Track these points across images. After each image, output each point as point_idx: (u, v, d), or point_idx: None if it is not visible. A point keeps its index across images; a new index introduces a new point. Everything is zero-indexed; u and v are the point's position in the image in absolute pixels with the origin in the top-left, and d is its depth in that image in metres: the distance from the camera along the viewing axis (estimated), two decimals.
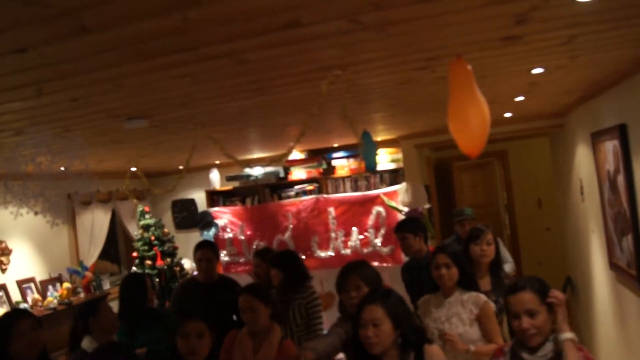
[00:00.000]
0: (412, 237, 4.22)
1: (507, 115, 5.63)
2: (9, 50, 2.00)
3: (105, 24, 1.82)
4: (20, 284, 6.03)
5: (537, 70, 3.38)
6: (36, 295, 6.02)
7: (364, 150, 4.00)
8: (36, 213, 3.95)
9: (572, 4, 2.08)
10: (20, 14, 1.68)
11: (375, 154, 4.05)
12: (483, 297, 3.29)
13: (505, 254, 5.17)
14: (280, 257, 4.04)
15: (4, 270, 5.91)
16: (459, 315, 3.25)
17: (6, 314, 3.03)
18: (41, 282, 6.30)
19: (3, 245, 5.92)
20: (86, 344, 3.30)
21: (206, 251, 4.38)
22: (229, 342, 3.39)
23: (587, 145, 4.84)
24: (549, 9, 2.11)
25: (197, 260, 4.40)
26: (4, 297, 5.78)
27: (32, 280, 6.21)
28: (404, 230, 4.27)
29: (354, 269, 3.09)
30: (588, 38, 2.65)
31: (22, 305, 5.73)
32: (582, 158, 5.16)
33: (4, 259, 5.93)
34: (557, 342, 2.35)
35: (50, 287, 6.36)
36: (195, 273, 5.34)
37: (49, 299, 6.06)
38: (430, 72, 3.12)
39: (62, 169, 4.25)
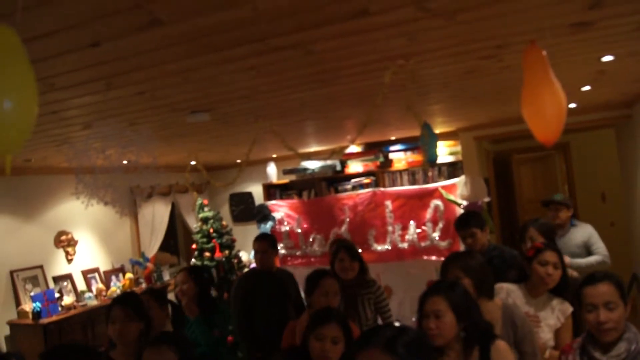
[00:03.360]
0: (480, 232, 4.05)
1: (571, 105, 5.45)
2: (82, 44, 2.05)
3: (177, 16, 1.84)
4: (85, 274, 6.25)
5: (607, 58, 3.25)
6: (100, 285, 6.22)
7: (424, 141, 3.91)
8: (106, 203, 4.09)
9: None
10: (95, 7, 1.71)
11: (436, 146, 3.95)
12: (569, 306, 3.07)
13: (597, 244, 4.72)
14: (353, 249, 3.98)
15: (70, 261, 6.14)
16: (546, 321, 3.05)
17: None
18: (105, 273, 6.52)
19: (69, 236, 6.14)
20: None
21: (262, 243, 4.43)
22: (290, 336, 3.34)
23: None
24: None
25: (254, 252, 4.46)
26: (70, 287, 5.99)
27: (96, 270, 6.43)
28: (473, 225, 3.99)
29: (455, 260, 2.91)
30: None
31: (87, 295, 5.92)
32: None
33: (70, 249, 6.15)
34: (631, 342, 2.24)
35: (113, 277, 6.56)
36: (253, 265, 5.42)
37: (112, 288, 6.24)
38: (496, 62, 3.04)
39: (125, 162, 4.35)
